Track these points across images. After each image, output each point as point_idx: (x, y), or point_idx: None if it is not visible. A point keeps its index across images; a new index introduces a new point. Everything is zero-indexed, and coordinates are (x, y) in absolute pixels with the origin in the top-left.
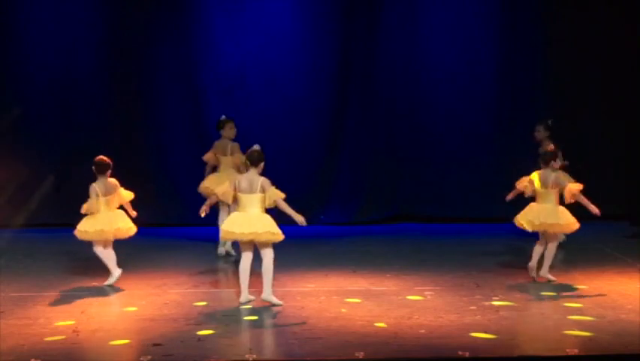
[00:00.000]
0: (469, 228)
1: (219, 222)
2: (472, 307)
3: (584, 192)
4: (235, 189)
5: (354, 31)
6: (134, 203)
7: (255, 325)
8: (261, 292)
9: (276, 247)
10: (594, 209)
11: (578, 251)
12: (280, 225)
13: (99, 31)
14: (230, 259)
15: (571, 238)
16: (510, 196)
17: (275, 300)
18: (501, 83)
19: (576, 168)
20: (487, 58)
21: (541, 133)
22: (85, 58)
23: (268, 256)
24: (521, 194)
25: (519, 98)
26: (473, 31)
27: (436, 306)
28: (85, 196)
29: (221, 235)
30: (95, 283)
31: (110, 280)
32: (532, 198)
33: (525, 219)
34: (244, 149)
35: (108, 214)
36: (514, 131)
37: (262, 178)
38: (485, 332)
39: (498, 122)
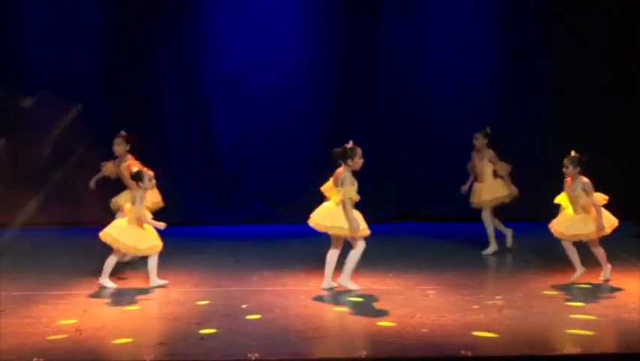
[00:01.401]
0: (471, 227)
1: None
2: (474, 306)
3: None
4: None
5: (354, 32)
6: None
7: (258, 323)
8: (261, 292)
9: (277, 246)
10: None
11: (580, 250)
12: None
13: (99, 32)
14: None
15: None
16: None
17: (351, 286)
18: (501, 83)
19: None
20: (487, 58)
21: (479, 140)
22: (85, 58)
23: (356, 246)
24: None
25: (519, 98)
26: (473, 31)
27: (439, 305)
28: (83, 196)
29: None
30: (97, 282)
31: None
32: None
33: (561, 229)
34: (245, 148)
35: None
36: (514, 131)
37: (345, 174)
38: (488, 331)
39: (498, 121)
